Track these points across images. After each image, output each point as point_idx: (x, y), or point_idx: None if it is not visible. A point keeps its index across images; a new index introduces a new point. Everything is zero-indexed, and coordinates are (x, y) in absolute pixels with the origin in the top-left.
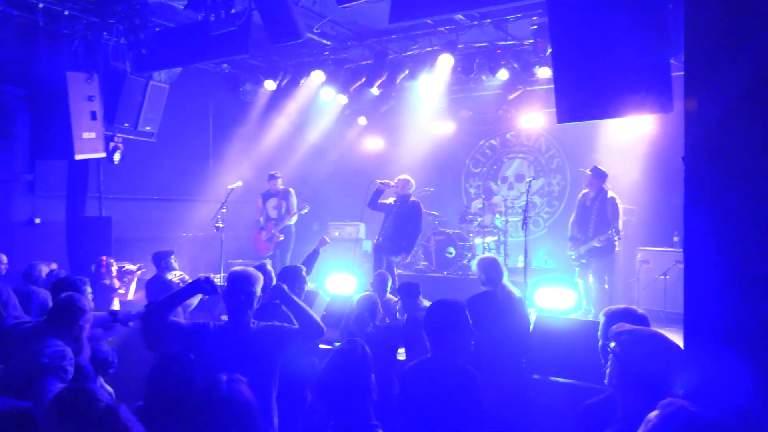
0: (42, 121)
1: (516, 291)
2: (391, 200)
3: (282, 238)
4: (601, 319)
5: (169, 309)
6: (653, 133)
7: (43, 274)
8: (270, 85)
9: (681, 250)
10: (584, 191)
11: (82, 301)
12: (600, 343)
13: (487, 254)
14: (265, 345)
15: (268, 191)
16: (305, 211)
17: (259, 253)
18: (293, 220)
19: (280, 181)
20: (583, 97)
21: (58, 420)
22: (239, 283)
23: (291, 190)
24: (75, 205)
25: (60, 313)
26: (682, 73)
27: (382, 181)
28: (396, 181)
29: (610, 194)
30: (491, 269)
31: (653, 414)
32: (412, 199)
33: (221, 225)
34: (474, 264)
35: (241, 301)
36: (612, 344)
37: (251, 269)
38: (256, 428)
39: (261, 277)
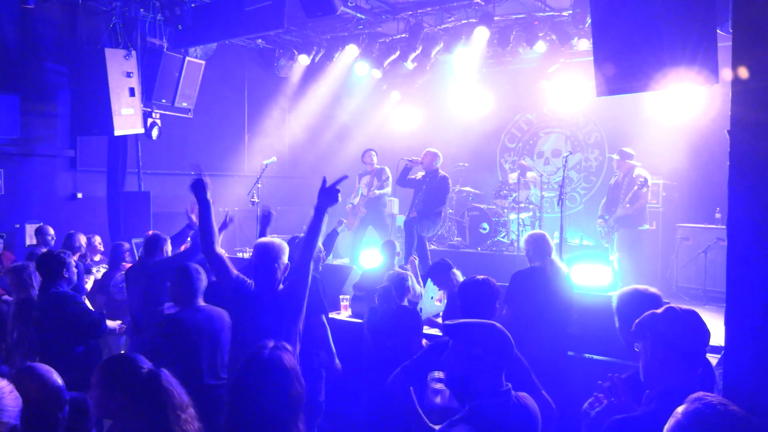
0: (82, 98)
1: (564, 267)
2: (419, 175)
3: (364, 213)
4: (614, 302)
5: (207, 233)
6: (696, 106)
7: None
8: (304, 60)
9: (723, 227)
10: (615, 175)
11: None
12: (617, 325)
13: (536, 230)
14: (288, 304)
15: (364, 170)
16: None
17: (347, 229)
18: (381, 192)
19: (375, 159)
20: (624, 69)
21: (103, 385)
22: (263, 254)
23: (386, 168)
24: (115, 180)
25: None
26: (728, 43)
27: (410, 159)
28: (423, 156)
29: (638, 171)
30: (539, 244)
31: (680, 408)
32: (441, 173)
33: (256, 200)
34: (522, 240)
35: (265, 272)
36: (637, 346)
37: (277, 240)
38: (292, 394)
39: (286, 247)
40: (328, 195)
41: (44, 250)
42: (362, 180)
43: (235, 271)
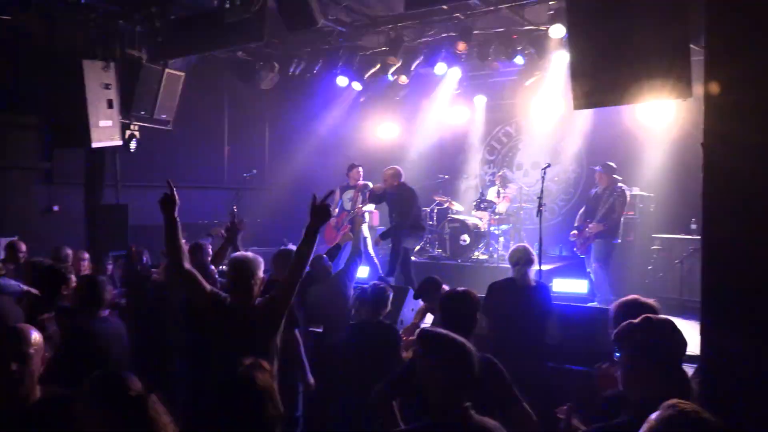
0: (59, 110)
1: (532, 278)
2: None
3: (348, 228)
4: (612, 311)
5: (174, 251)
6: (672, 119)
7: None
8: (284, 72)
9: (698, 237)
10: (596, 187)
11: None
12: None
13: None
14: (264, 319)
15: (347, 184)
16: None
17: (326, 243)
18: (366, 208)
19: (361, 175)
20: (600, 83)
21: (86, 401)
22: (238, 269)
23: (370, 184)
24: (92, 193)
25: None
26: (701, 57)
27: (369, 190)
28: (383, 178)
29: (619, 185)
30: (511, 256)
31: (654, 415)
32: (408, 186)
33: (236, 210)
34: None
35: (241, 287)
36: (616, 355)
37: (251, 255)
38: (265, 415)
39: (261, 261)
40: (319, 213)
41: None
42: (346, 194)
43: (208, 286)
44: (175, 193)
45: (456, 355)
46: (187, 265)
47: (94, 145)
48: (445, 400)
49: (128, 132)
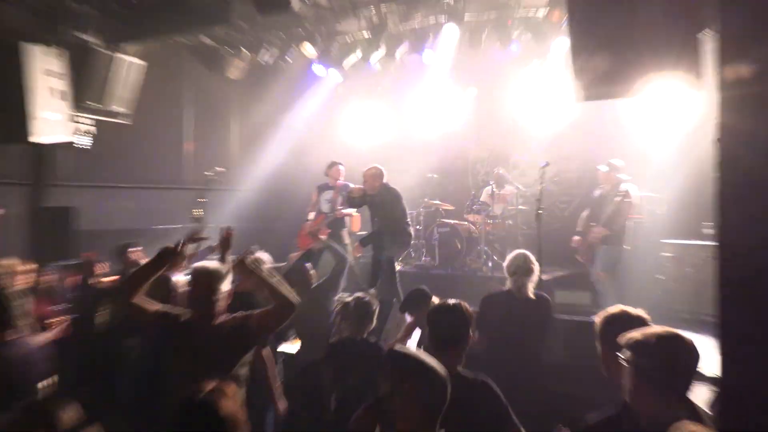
0: None
1: (532, 291)
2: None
3: (327, 233)
4: (598, 324)
5: (132, 288)
6: (683, 113)
7: None
8: (254, 60)
9: (713, 243)
10: (601, 188)
11: None
12: (599, 349)
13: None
14: (231, 340)
15: (325, 183)
16: None
17: (299, 249)
18: (348, 211)
19: (342, 174)
20: (604, 74)
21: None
22: (199, 282)
23: (350, 184)
24: (36, 195)
25: None
26: (712, 46)
27: (349, 192)
28: (364, 180)
29: (625, 186)
30: (508, 265)
31: None
32: (390, 187)
33: (200, 213)
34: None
35: (203, 302)
36: (625, 355)
37: (213, 266)
38: None
39: (225, 272)
40: (241, 269)
41: None
42: (324, 195)
43: (153, 308)
44: (185, 252)
45: (424, 380)
46: (135, 299)
47: (33, 139)
48: (414, 427)
49: (78, 126)
